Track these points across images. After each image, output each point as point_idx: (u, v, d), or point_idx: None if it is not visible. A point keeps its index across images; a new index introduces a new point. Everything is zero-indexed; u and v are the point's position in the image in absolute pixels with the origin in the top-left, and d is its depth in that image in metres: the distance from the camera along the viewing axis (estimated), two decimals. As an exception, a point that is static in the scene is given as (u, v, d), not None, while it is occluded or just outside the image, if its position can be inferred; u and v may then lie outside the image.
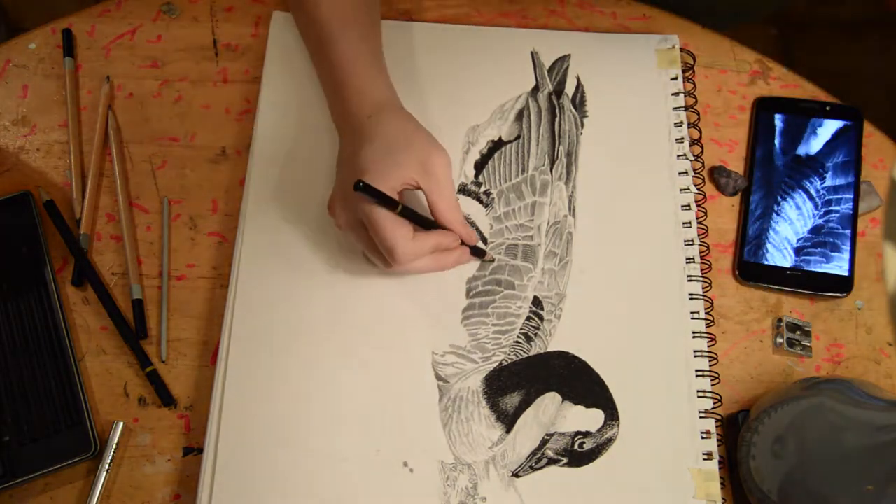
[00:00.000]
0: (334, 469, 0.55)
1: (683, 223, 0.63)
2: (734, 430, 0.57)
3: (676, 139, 0.66)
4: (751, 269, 0.63)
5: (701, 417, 0.57)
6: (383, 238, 0.52)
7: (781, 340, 0.61)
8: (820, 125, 0.66)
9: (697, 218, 0.63)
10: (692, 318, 0.60)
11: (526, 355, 0.58)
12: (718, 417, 0.57)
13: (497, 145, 0.65)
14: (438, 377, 0.57)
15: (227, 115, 0.66)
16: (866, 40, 1.57)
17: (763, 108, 0.68)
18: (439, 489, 0.54)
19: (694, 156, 0.66)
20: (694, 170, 0.65)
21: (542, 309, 0.60)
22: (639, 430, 0.57)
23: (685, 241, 0.62)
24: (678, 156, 0.65)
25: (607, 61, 0.68)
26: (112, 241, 0.62)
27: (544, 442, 0.56)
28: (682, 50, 0.69)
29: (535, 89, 0.67)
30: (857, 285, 0.62)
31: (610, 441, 0.56)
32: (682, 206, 0.63)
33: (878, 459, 0.48)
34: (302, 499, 0.54)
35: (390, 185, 0.53)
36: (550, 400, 0.57)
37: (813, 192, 0.64)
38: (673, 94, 0.67)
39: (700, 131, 0.67)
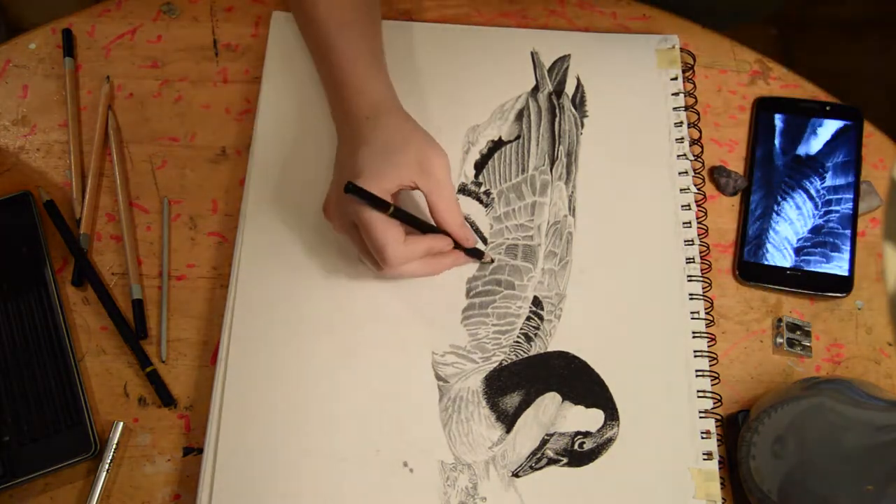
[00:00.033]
0: (334, 469, 0.55)
1: (683, 223, 0.63)
2: (734, 430, 0.57)
3: (676, 139, 0.66)
4: (751, 269, 0.63)
5: (701, 417, 0.57)
6: (373, 240, 0.52)
7: (781, 340, 0.61)
8: (820, 125, 0.66)
9: (697, 218, 0.63)
10: (692, 318, 0.60)
11: (526, 355, 0.58)
12: (718, 417, 0.57)
13: (497, 145, 0.65)
14: (438, 377, 0.57)
15: (227, 115, 0.66)
16: (866, 40, 1.57)
17: (763, 108, 0.68)
18: (439, 489, 0.54)
19: (694, 156, 0.66)
20: (694, 170, 0.65)
21: (542, 309, 0.60)
22: (639, 430, 0.57)
23: (685, 241, 0.62)
24: (678, 156, 0.65)
25: (607, 61, 0.68)
26: (112, 241, 0.62)
27: (544, 442, 0.56)
28: (682, 50, 0.69)
29: (535, 89, 0.67)
30: (857, 285, 0.62)
31: (610, 441, 0.56)
32: (682, 206, 0.63)
33: (878, 459, 0.48)
34: (302, 499, 0.54)
35: (385, 186, 0.53)
36: (550, 400, 0.57)
37: (813, 192, 0.64)
38: (673, 94, 0.67)
39: (700, 131, 0.67)
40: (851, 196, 0.64)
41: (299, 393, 0.56)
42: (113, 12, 0.69)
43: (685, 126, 0.66)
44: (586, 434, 0.56)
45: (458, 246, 0.57)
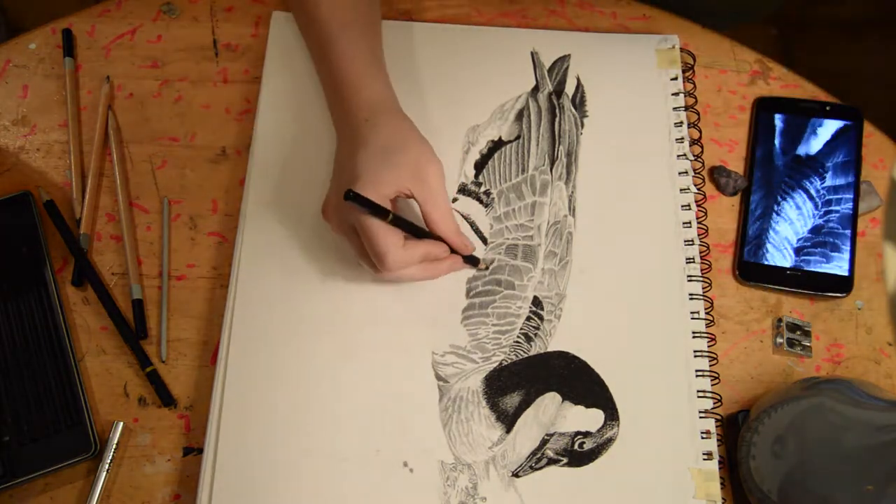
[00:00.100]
0: (334, 469, 0.55)
1: (683, 223, 0.63)
2: (734, 430, 0.57)
3: (676, 139, 0.66)
4: (751, 269, 0.63)
5: (701, 417, 0.57)
6: (374, 246, 0.53)
7: (781, 340, 0.61)
8: (820, 125, 0.66)
9: (697, 218, 0.63)
10: (692, 318, 0.60)
11: (526, 355, 0.58)
12: (718, 417, 0.57)
13: (497, 145, 0.65)
14: (438, 377, 0.57)
15: (227, 115, 0.66)
16: (866, 40, 1.57)
17: (763, 108, 0.68)
18: (439, 489, 0.54)
19: (694, 156, 0.66)
20: (694, 170, 0.65)
21: (542, 309, 0.60)
22: (639, 430, 0.57)
23: (685, 241, 0.62)
24: (678, 156, 0.65)
25: (607, 61, 0.68)
26: (112, 241, 0.62)
27: (544, 442, 0.56)
28: (682, 50, 0.69)
29: (535, 89, 0.67)
30: (857, 285, 0.62)
31: (610, 441, 0.56)
32: (682, 206, 0.63)
33: (878, 459, 0.48)
34: (302, 499, 0.54)
35: (383, 192, 0.53)
36: (550, 400, 0.57)
37: (813, 192, 0.64)
38: (673, 94, 0.67)
39: (700, 131, 0.67)
40: (851, 196, 0.64)
41: (299, 393, 0.56)
42: (113, 12, 0.69)
43: (685, 126, 0.66)
44: (586, 434, 0.56)
45: (454, 252, 0.57)
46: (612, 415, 0.57)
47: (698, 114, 0.67)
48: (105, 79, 0.67)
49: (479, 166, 0.64)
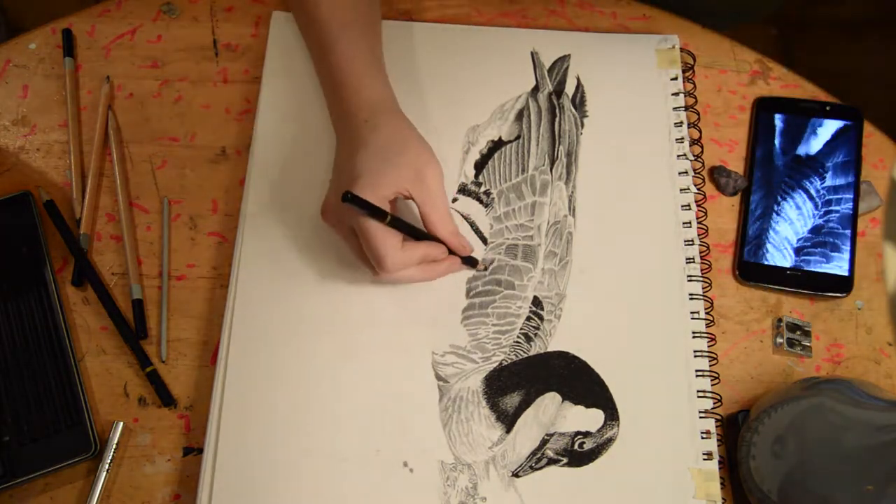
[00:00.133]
0: (334, 469, 0.55)
1: (683, 223, 0.63)
2: (734, 430, 0.57)
3: (676, 139, 0.66)
4: (751, 269, 0.63)
5: (701, 417, 0.57)
6: (373, 248, 0.53)
7: (781, 340, 0.61)
8: (820, 125, 0.66)
9: (697, 218, 0.63)
10: (692, 318, 0.60)
11: (526, 355, 0.58)
12: (718, 417, 0.57)
13: (497, 145, 0.65)
14: (438, 377, 0.57)
15: (227, 115, 0.66)
16: (866, 40, 1.57)
17: (763, 108, 0.68)
18: (439, 489, 0.54)
19: (694, 156, 0.66)
20: (694, 170, 0.65)
21: (542, 309, 0.60)
22: (639, 430, 0.57)
23: (685, 241, 0.62)
24: (678, 156, 0.65)
25: (607, 61, 0.68)
26: (112, 241, 0.62)
27: (544, 442, 0.56)
28: (682, 50, 0.69)
29: (535, 89, 0.67)
30: (857, 285, 0.62)
31: (610, 441, 0.56)
32: (682, 206, 0.63)
33: (878, 459, 0.48)
34: (302, 499, 0.54)
35: (382, 193, 0.53)
36: (550, 400, 0.57)
37: (813, 192, 0.64)
38: (673, 94, 0.67)
39: (700, 131, 0.67)
40: (851, 196, 0.64)
41: (299, 393, 0.56)
42: (113, 12, 0.69)
43: (685, 126, 0.66)
44: (586, 434, 0.56)
45: (453, 253, 0.57)
46: (612, 415, 0.57)
47: (698, 114, 0.67)
48: (105, 79, 0.67)
49: (479, 166, 0.64)
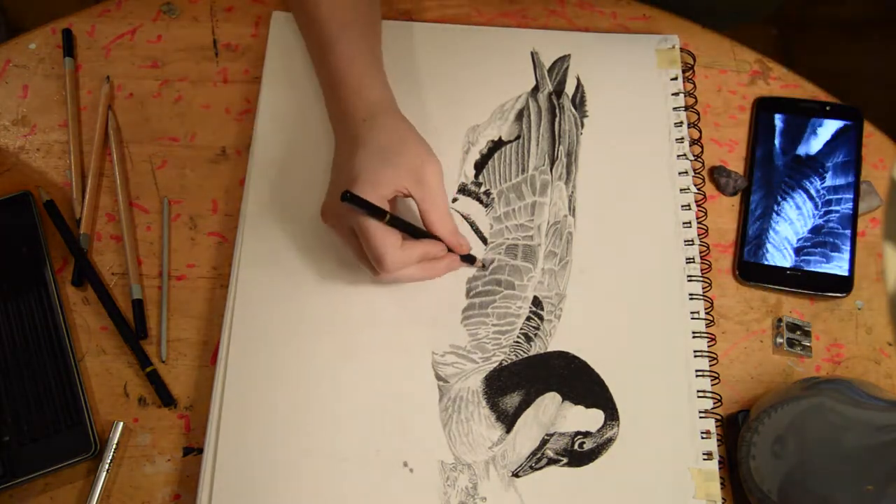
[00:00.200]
0: (334, 469, 0.55)
1: (683, 223, 0.63)
2: (734, 430, 0.57)
3: (676, 139, 0.66)
4: (751, 269, 0.63)
5: (701, 417, 0.57)
6: (372, 247, 0.53)
7: (781, 340, 0.61)
8: (820, 125, 0.66)
9: (697, 218, 0.63)
10: (692, 318, 0.60)
11: (526, 355, 0.58)
12: (718, 417, 0.57)
13: (497, 145, 0.65)
14: (438, 377, 0.57)
15: (227, 115, 0.66)
16: (866, 40, 1.57)
17: (763, 108, 0.68)
18: (439, 489, 0.54)
19: (694, 156, 0.66)
20: (694, 170, 0.65)
21: (542, 309, 0.60)
22: (639, 430, 0.57)
23: (685, 241, 0.62)
24: (678, 156, 0.65)
25: (607, 61, 0.68)
26: (112, 241, 0.62)
27: (544, 442, 0.56)
28: (682, 50, 0.69)
29: (535, 89, 0.67)
30: (857, 285, 0.62)
31: (610, 441, 0.56)
32: (682, 206, 0.63)
33: (878, 459, 0.48)
34: (302, 499, 0.54)
35: (381, 193, 0.53)
36: (550, 400, 0.57)
37: (813, 192, 0.64)
38: (673, 94, 0.67)
39: (700, 131, 0.67)
40: (851, 196, 0.64)
41: (299, 393, 0.56)
42: (113, 12, 0.69)
43: (685, 126, 0.66)
44: (586, 434, 0.56)
45: (452, 251, 0.57)
46: (612, 415, 0.57)
47: (698, 114, 0.67)
48: (105, 79, 0.67)
49: (479, 166, 0.64)
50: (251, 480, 0.54)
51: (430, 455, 0.55)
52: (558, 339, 0.59)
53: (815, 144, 0.66)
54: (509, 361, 0.58)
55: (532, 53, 0.68)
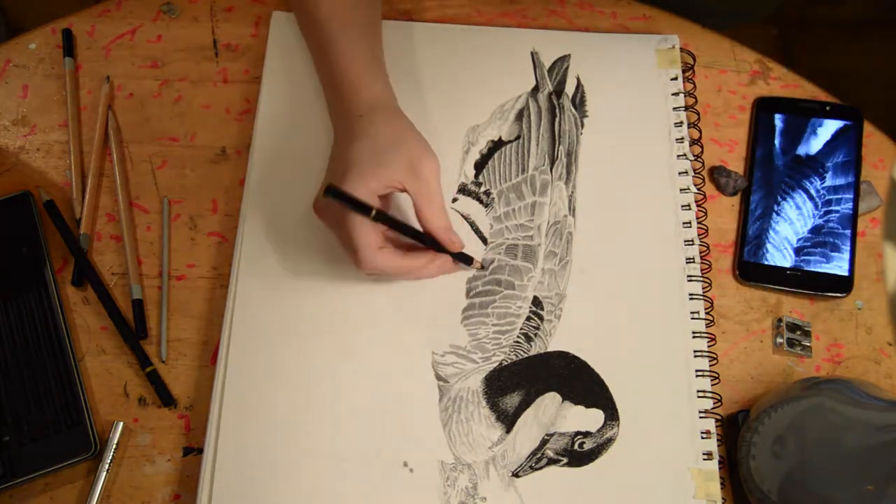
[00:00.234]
0: (334, 469, 0.55)
1: (683, 223, 0.63)
2: (734, 430, 0.57)
3: (676, 139, 0.66)
4: (751, 269, 0.63)
5: (701, 417, 0.57)
6: (348, 241, 0.53)
7: (781, 340, 0.61)
8: (820, 125, 0.66)
9: (697, 218, 0.63)
10: (692, 318, 0.60)
11: (526, 355, 0.58)
12: (718, 417, 0.57)
13: (497, 145, 0.65)
14: (438, 377, 0.57)
15: (227, 115, 0.66)
16: (866, 40, 1.57)
17: (763, 108, 0.68)
18: (439, 489, 0.54)
19: (694, 156, 0.66)
20: (694, 170, 0.65)
21: (542, 309, 0.60)
22: (639, 430, 0.57)
23: (685, 241, 0.62)
24: (678, 156, 0.65)
25: (607, 61, 0.68)
26: (112, 241, 0.62)
27: (544, 442, 0.56)
28: (682, 50, 0.69)
29: (535, 89, 0.67)
30: (857, 285, 0.62)
31: (610, 441, 0.56)
32: (682, 206, 0.63)
33: (878, 459, 0.48)
34: (302, 499, 0.54)
35: (371, 186, 0.53)
36: (550, 400, 0.57)
37: (813, 192, 0.64)
38: (673, 94, 0.67)
39: (700, 131, 0.67)
40: (851, 196, 0.64)
41: (299, 393, 0.56)
42: (113, 12, 0.69)
43: (685, 126, 0.66)
44: (586, 434, 0.56)
45: (443, 250, 0.57)
46: (612, 415, 0.57)
47: (698, 114, 0.67)
48: (105, 79, 0.67)
49: (479, 166, 0.64)
50: (251, 480, 0.54)
51: (430, 455, 0.55)
52: (558, 339, 0.59)
53: (815, 144, 0.66)
54: (509, 361, 0.58)
55: (532, 53, 0.68)
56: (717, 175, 0.66)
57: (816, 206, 0.64)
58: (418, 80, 0.67)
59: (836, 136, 0.66)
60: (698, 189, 0.64)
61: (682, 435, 0.57)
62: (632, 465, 0.56)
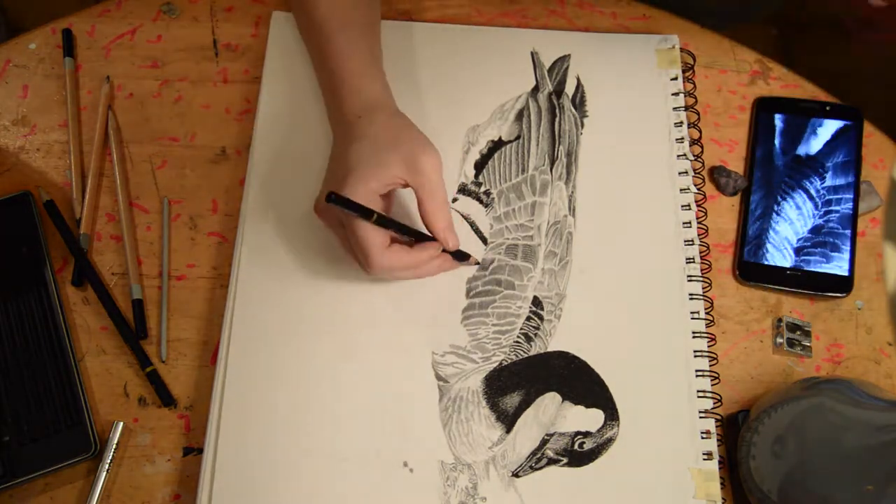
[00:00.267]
0: (334, 469, 0.55)
1: (683, 223, 0.63)
2: (734, 430, 0.57)
3: (676, 139, 0.66)
4: (751, 269, 0.63)
5: (701, 417, 0.57)
6: (357, 245, 0.53)
7: (781, 340, 0.61)
8: (820, 125, 0.66)
9: (697, 218, 0.63)
10: (692, 318, 0.60)
11: (526, 355, 0.58)
12: (718, 417, 0.57)
13: (497, 145, 0.65)
14: (438, 377, 0.57)
15: (227, 115, 0.66)
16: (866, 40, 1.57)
17: (763, 108, 0.68)
18: (439, 489, 0.54)
19: (694, 156, 0.66)
20: (694, 170, 0.65)
21: (542, 309, 0.60)
22: (639, 430, 0.57)
23: (685, 241, 0.62)
24: (678, 156, 0.65)
25: (607, 61, 0.68)
26: (112, 241, 0.62)
27: (544, 442, 0.56)
28: (682, 50, 0.69)
29: (535, 89, 0.67)
30: (857, 285, 0.62)
31: (610, 441, 0.56)
32: (682, 206, 0.63)
33: (878, 459, 0.48)
34: (302, 499, 0.54)
35: (371, 187, 0.53)
36: (550, 400, 0.57)
37: (813, 192, 0.64)
38: (673, 94, 0.67)
39: (700, 131, 0.67)
40: (851, 196, 0.64)
41: (299, 393, 0.56)
42: (113, 12, 0.69)
43: (685, 126, 0.66)
44: (586, 434, 0.56)
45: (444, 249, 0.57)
46: (612, 415, 0.57)
47: (698, 114, 0.67)
48: (105, 79, 0.67)
49: (479, 166, 0.64)
50: (251, 480, 0.54)
51: (430, 455, 0.55)
52: (558, 339, 0.59)
53: (815, 144, 0.66)
54: (509, 361, 0.58)
55: (532, 53, 0.68)
56: (717, 175, 0.66)
57: (816, 206, 0.64)
58: (418, 80, 0.67)
59: (836, 136, 0.66)
60: (698, 189, 0.64)
61: (682, 435, 0.57)
62: (632, 465, 0.56)
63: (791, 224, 0.64)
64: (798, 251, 0.63)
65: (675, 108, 0.67)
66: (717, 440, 0.57)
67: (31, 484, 0.55)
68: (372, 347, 0.58)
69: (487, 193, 0.63)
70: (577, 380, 0.58)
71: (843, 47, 1.54)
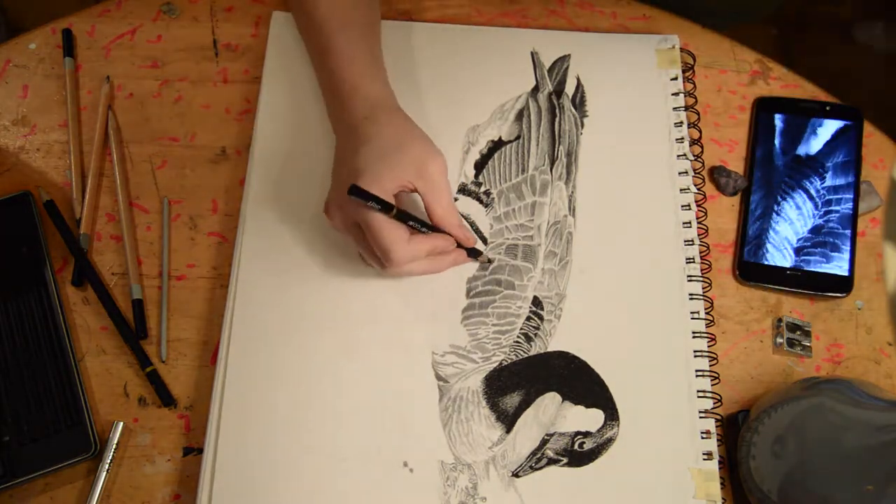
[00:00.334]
0: (334, 469, 0.55)
1: (683, 223, 0.63)
2: (734, 430, 0.57)
3: (676, 139, 0.66)
4: (751, 269, 0.63)
5: (701, 417, 0.57)
6: (379, 241, 0.53)
7: (781, 340, 0.61)
8: (820, 125, 0.66)
9: (697, 218, 0.63)
10: (692, 318, 0.60)
11: (526, 355, 0.58)
12: (718, 417, 0.57)
13: (497, 145, 0.65)
14: (438, 377, 0.57)
15: (227, 115, 0.66)
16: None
17: (763, 108, 0.68)
18: (439, 489, 0.54)
19: (694, 156, 0.66)
20: (694, 170, 0.65)
21: (542, 309, 0.60)
22: (639, 430, 0.57)
23: (685, 241, 0.62)
24: (678, 156, 0.65)
25: (607, 61, 0.68)
26: (112, 241, 0.62)
27: (544, 442, 0.56)
28: (682, 50, 0.69)
29: (535, 89, 0.67)
30: (857, 285, 0.62)
31: (610, 441, 0.56)
32: (682, 206, 0.63)
33: (878, 459, 0.48)
34: (302, 498, 0.54)
35: (385, 187, 0.53)
36: (550, 400, 0.57)
37: (813, 192, 0.64)
38: (673, 94, 0.67)
39: (700, 131, 0.67)
40: (851, 196, 0.64)
41: (299, 393, 0.56)
42: (113, 12, 0.69)
43: (685, 126, 0.66)
44: (586, 434, 0.56)
45: (459, 245, 0.57)
46: (612, 415, 0.57)
47: (698, 114, 0.67)
48: (105, 79, 0.67)
49: (479, 166, 0.64)
50: (251, 480, 0.54)
51: (430, 455, 0.55)
52: (558, 339, 0.59)
53: (815, 144, 0.66)
54: (509, 361, 0.58)
55: (532, 53, 0.68)
56: (717, 175, 0.66)
57: (816, 206, 0.64)
58: (418, 80, 0.67)
59: (836, 136, 0.66)
60: (698, 189, 0.64)
61: (682, 435, 0.57)
62: (632, 465, 0.56)
63: (791, 224, 0.64)
64: (798, 251, 0.63)
65: (675, 108, 0.67)
66: (717, 440, 0.57)
67: (31, 484, 0.55)
68: (372, 347, 0.58)
69: (487, 193, 0.63)
70: (577, 380, 0.58)
71: (843, 47, 1.54)
